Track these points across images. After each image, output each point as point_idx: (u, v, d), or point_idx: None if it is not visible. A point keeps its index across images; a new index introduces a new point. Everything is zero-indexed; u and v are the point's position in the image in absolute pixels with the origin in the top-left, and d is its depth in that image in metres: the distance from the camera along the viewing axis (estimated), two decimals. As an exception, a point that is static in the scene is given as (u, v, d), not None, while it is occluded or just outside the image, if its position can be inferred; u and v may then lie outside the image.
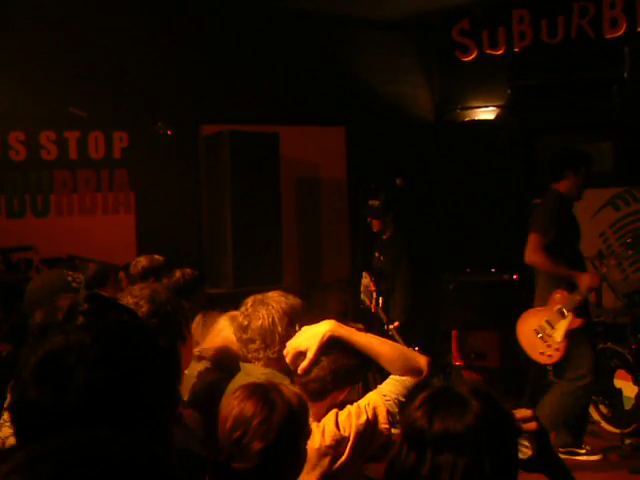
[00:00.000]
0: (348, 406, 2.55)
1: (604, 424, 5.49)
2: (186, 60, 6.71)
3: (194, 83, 6.77)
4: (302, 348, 2.56)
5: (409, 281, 6.28)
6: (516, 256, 5.47)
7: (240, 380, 2.66)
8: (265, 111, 6.96)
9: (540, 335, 5.16)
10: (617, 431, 5.36)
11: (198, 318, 3.70)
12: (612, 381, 5.62)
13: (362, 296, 5.88)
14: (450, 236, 7.38)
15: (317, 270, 7.50)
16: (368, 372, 4.44)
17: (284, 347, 2.63)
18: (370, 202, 6.06)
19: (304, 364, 2.53)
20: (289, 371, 2.62)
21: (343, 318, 2.79)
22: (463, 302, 6.87)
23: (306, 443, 2.26)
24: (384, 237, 6.34)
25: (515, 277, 6.74)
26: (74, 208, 6.43)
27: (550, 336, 5.13)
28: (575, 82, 6.84)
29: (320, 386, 2.55)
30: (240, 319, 2.83)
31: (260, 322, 2.76)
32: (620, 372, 5.59)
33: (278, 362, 2.70)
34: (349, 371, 2.58)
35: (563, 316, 5.10)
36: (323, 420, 2.51)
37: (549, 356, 5.15)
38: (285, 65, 7.10)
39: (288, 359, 2.59)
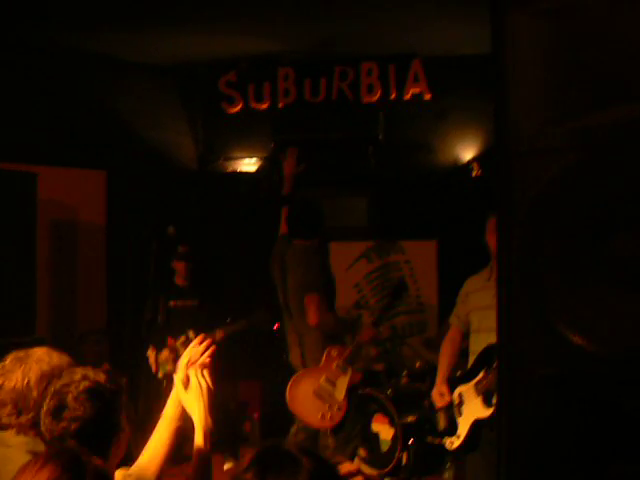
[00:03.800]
0: None
1: (363, 466, 5.73)
2: None
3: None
4: None
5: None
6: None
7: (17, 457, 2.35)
8: (22, 150, 6.56)
9: (319, 398, 4.91)
10: (376, 472, 5.62)
11: None
12: (370, 425, 5.90)
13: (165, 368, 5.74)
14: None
15: (72, 320, 7.12)
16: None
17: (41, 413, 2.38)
18: (180, 247, 5.96)
19: None
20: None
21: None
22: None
23: None
24: (180, 284, 6.28)
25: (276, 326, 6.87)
26: None
27: (331, 396, 4.91)
28: (335, 140, 7.22)
29: None
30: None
31: (13, 384, 2.50)
32: (377, 416, 5.88)
33: (34, 429, 2.45)
34: None
35: (344, 372, 4.93)
36: None
37: (330, 419, 4.92)
38: (45, 103, 6.76)
39: None
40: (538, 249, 1.66)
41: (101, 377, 2.35)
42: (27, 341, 4.41)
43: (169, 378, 5.83)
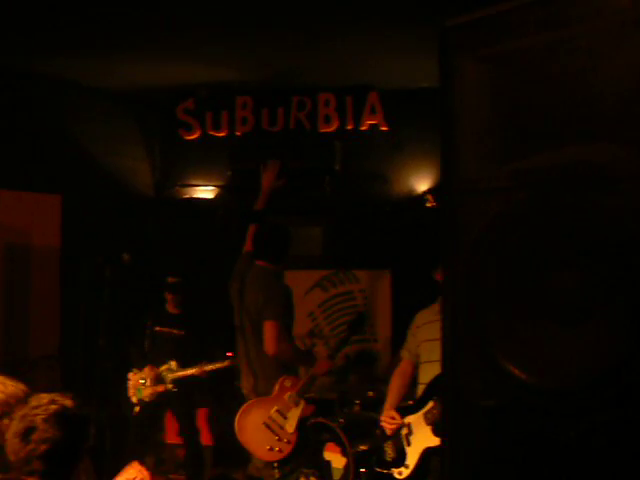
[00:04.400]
0: None
1: (315, 496, 5.72)
2: None
3: None
4: None
5: None
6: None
7: None
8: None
9: (270, 430, 4.78)
10: (329, 502, 5.63)
11: None
12: (322, 454, 5.90)
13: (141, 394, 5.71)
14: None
15: (24, 344, 7.02)
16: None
17: None
18: (169, 279, 5.96)
19: None
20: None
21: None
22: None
23: None
24: (172, 312, 6.33)
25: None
26: None
27: (282, 428, 4.78)
28: (292, 170, 7.27)
29: None
30: None
31: None
32: (329, 445, 5.89)
33: None
34: None
35: (296, 405, 4.83)
36: None
37: (279, 451, 4.77)
38: (1, 127, 6.71)
39: None
40: (479, 284, 1.72)
41: (68, 402, 2.36)
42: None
43: (142, 403, 5.82)
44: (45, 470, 2.27)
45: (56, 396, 2.37)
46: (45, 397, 2.35)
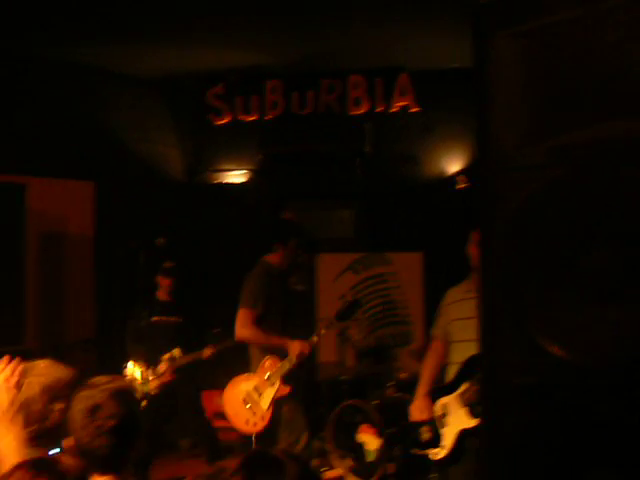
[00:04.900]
0: None
1: (350, 476, 5.76)
2: None
3: None
4: None
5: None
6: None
7: None
8: (10, 160, 6.58)
9: (248, 403, 5.11)
10: (362, 483, 5.66)
11: None
12: (355, 436, 5.93)
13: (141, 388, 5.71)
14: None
15: (60, 329, 7.12)
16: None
17: (44, 426, 2.49)
18: (166, 263, 5.95)
19: None
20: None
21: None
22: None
23: None
24: (162, 299, 6.21)
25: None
26: None
27: (257, 404, 5.09)
28: (322, 153, 7.28)
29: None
30: None
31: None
32: (363, 427, 5.91)
33: (36, 441, 2.50)
34: None
35: (272, 384, 5.07)
36: None
37: (254, 425, 5.09)
38: (34, 115, 6.79)
39: None
40: (518, 262, 1.71)
41: (124, 383, 2.47)
42: (15, 351, 4.44)
43: (148, 397, 5.78)
44: (112, 444, 2.36)
45: (112, 378, 2.47)
46: (103, 378, 2.45)
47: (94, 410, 2.37)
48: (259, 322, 5.11)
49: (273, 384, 5.06)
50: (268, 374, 5.08)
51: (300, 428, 5.15)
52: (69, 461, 2.11)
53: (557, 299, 1.65)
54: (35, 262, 6.73)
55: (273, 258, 5.28)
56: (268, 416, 5.04)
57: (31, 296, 6.50)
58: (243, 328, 5.09)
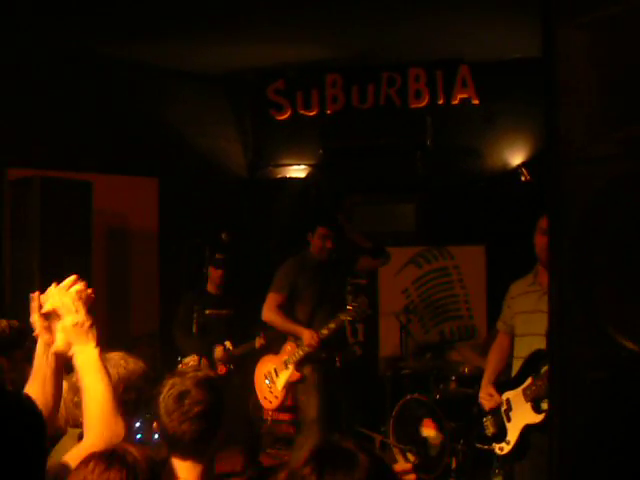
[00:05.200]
0: None
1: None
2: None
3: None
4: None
5: None
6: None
7: (71, 447, 2.46)
8: (75, 158, 6.73)
9: (267, 380, 5.54)
10: (426, 477, 5.63)
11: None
12: (419, 430, 5.91)
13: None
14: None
15: (126, 323, 7.27)
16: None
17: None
18: (217, 255, 6.04)
19: None
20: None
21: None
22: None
23: None
24: (214, 293, 6.21)
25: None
26: None
27: (274, 383, 5.51)
28: (382, 146, 7.26)
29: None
30: (74, 379, 2.70)
31: None
32: (426, 421, 5.89)
33: None
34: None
35: (286, 367, 5.43)
36: None
37: (269, 402, 5.56)
38: (98, 112, 6.92)
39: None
40: (589, 256, 1.69)
41: (209, 371, 2.56)
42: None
43: None
44: (198, 430, 2.44)
45: (197, 366, 2.59)
46: (188, 368, 2.55)
47: (182, 396, 2.44)
48: (285, 307, 5.42)
49: (287, 368, 5.41)
50: (286, 358, 5.42)
51: (312, 415, 5.31)
52: (137, 452, 2.16)
53: (629, 292, 1.63)
54: (101, 258, 6.88)
55: (312, 248, 5.51)
56: (281, 396, 5.46)
57: (98, 291, 6.61)
58: (267, 311, 5.41)
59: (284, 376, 5.44)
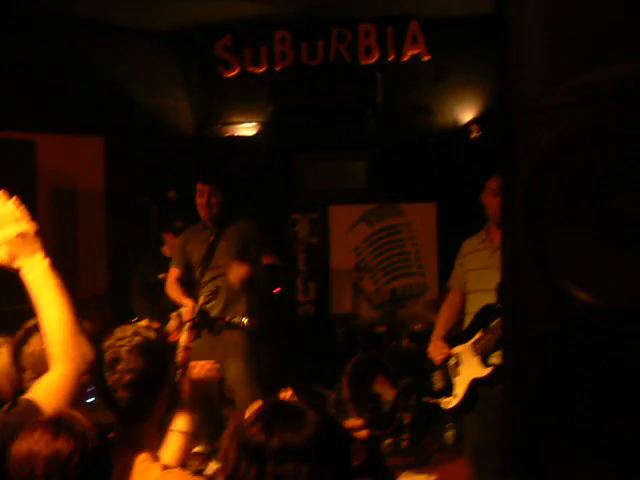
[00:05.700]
0: None
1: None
2: None
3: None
4: None
5: None
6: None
7: None
8: (18, 117, 6.52)
9: None
10: (379, 433, 5.69)
11: None
12: (372, 386, 5.96)
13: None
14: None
15: (73, 286, 7.11)
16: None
17: None
18: (176, 222, 5.91)
19: None
20: None
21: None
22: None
23: None
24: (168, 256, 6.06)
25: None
26: None
27: None
28: (333, 103, 7.18)
29: None
30: (12, 344, 2.62)
31: (31, 349, 2.54)
32: (379, 378, 5.94)
33: None
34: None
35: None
36: None
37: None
38: (41, 70, 6.70)
39: None
40: (542, 207, 1.67)
41: (151, 334, 2.44)
42: (29, 309, 4.45)
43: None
44: (129, 398, 2.36)
45: (140, 328, 2.46)
46: (129, 329, 2.45)
47: (113, 363, 2.36)
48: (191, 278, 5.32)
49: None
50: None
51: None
52: (85, 419, 2.10)
53: (584, 243, 1.62)
54: (47, 221, 6.72)
55: None
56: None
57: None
58: (167, 286, 5.34)
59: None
